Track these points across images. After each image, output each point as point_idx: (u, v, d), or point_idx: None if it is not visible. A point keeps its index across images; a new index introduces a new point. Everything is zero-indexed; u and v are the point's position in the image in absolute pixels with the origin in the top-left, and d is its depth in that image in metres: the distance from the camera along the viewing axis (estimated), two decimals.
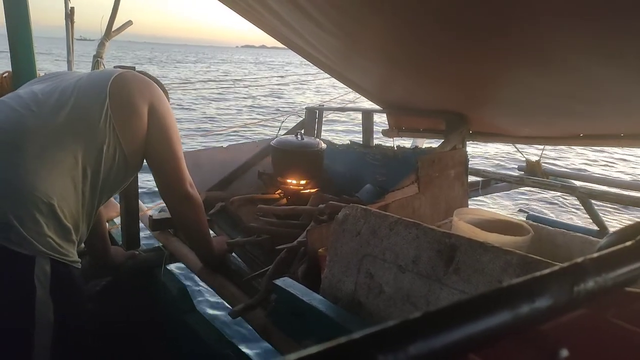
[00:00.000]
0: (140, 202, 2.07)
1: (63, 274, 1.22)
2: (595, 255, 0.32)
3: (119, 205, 2.02)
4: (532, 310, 0.27)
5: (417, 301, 0.92)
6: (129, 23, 3.47)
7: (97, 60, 3.57)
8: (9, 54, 2.05)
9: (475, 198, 3.04)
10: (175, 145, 1.46)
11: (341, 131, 10.44)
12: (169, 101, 1.70)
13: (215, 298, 3.16)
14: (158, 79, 1.68)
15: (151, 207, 2.62)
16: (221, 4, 2.01)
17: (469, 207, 2.00)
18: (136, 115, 1.37)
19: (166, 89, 1.68)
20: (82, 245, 1.81)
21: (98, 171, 1.31)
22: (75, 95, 1.32)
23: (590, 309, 0.31)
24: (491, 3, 1.20)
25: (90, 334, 1.36)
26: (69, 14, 3.64)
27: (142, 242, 2.08)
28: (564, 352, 0.29)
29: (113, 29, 3.07)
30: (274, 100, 17.18)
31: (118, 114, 1.33)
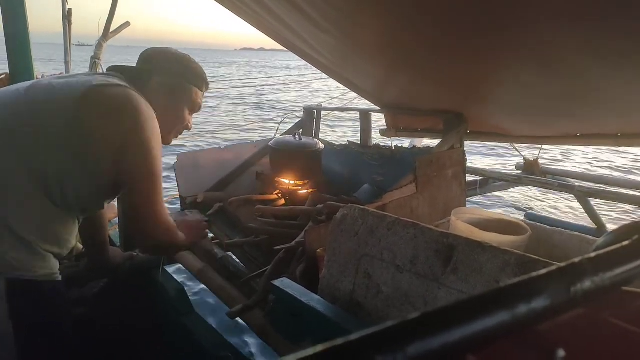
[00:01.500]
0: None
1: (24, 291, 1.13)
2: (593, 254, 0.32)
3: (116, 206, 2.02)
4: (529, 311, 0.27)
5: (415, 301, 0.92)
6: (127, 24, 3.46)
7: (94, 61, 3.56)
8: None
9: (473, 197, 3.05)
10: (153, 176, 1.28)
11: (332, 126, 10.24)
12: (203, 89, 1.53)
13: (213, 299, 3.15)
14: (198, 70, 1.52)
15: None
16: (221, 7, 2.01)
17: (467, 206, 2.00)
18: (100, 140, 1.22)
19: (204, 78, 1.53)
20: (80, 247, 1.81)
21: (56, 189, 1.20)
22: (35, 108, 1.20)
23: (587, 309, 0.31)
24: (488, 3, 1.20)
25: (73, 343, 1.33)
26: (67, 15, 3.64)
27: None
28: (561, 353, 0.29)
29: (110, 31, 3.07)
30: None
31: (78, 135, 1.19)
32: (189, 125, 1.55)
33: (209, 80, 1.59)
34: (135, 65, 1.46)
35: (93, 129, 1.21)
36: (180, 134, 1.56)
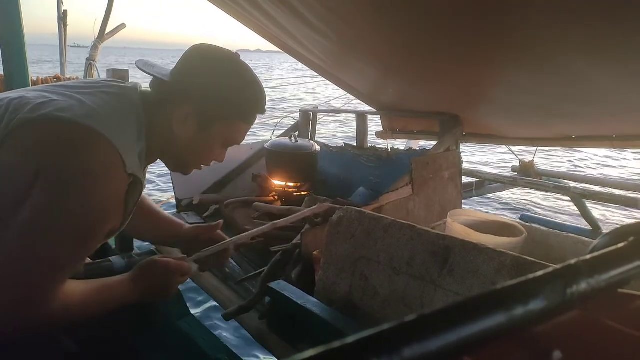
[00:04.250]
0: None
1: None
2: (589, 256, 0.32)
3: None
4: (526, 312, 0.27)
5: (412, 303, 0.92)
6: (122, 26, 3.46)
7: (90, 63, 3.56)
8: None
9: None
10: (40, 231, 0.87)
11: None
12: (252, 122, 1.17)
13: (209, 302, 3.15)
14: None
15: None
16: (218, 9, 2.02)
17: (463, 207, 2.00)
18: (14, 182, 0.90)
19: (256, 109, 1.14)
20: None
21: None
22: None
23: (583, 311, 0.31)
24: (484, 6, 1.20)
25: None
26: (62, 17, 3.63)
27: (136, 244, 2.07)
28: (558, 354, 0.29)
29: (106, 32, 3.06)
30: None
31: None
32: (220, 158, 1.21)
33: None
34: (173, 77, 1.10)
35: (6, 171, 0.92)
36: (208, 165, 1.22)
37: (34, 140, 0.92)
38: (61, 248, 0.90)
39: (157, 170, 6.77)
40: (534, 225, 1.52)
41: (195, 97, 1.08)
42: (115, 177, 0.95)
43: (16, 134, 0.92)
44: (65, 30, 4.23)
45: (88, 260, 1.82)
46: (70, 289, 0.97)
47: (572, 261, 0.30)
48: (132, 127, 1.03)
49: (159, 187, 6.10)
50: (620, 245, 0.34)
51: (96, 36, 3.28)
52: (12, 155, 0.91)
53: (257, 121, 1.24)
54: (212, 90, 1.08)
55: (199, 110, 1.08)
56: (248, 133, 1.23)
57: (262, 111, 1.16)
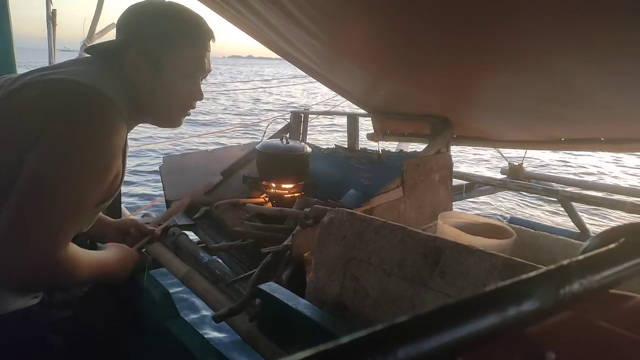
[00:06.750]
0: (123, 207, 2.04)
1: None
2: (581, 257, 0.32)
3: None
4: (519, 313, 0.27)
5: (403, 305, 0.92)
6: (112, 26, 3.43)
7: None
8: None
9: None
10: (58, 185, 0.91)
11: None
12: (207, 44, 1.19)
13: (199, 304, 3.13)
14: None
15: (134, 213, 2.59)
16: (209, 10, 2.01)
17: (454, 210, 2.01)
18: (18, 131, 0.95)
19: (203, 31, 1.17)
20: None
21: None
22: None
23: (575, 311, 0.32)
24: (475, 8, 1.21)
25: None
26: (51, 16, 3.60)
27: None
28: (551, 355, 0.29)
29: (96, 32, 3.04)
30: None
31: None
32: (198, 95, 1.21)
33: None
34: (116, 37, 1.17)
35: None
36: (192, 108, 1.24)
37: (38, 95, 0.98)
38: (70, 197, 0.93)
39: (146, 170, 6.74)
40: (523, 227, 1.53)
41: (138, 40, 1.11)
42: (119, 127, 1.01)
43: (20, 91, 0.98)
44: (54, 30, 4.18)
45: None
46: (76, 249, 1.01)
47: (565, 262, 0.30)
48: (117, 87, 1.07)
49: (148, 188, 6.08)
50: (612, 246, 0.35)
51: (85, 36, 3.26)
52: (15, 108, 0.97)
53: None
54: (147, 28, 1.11)
55: (142, 51, 1.11)
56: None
57: (206, 32, 1.18)
